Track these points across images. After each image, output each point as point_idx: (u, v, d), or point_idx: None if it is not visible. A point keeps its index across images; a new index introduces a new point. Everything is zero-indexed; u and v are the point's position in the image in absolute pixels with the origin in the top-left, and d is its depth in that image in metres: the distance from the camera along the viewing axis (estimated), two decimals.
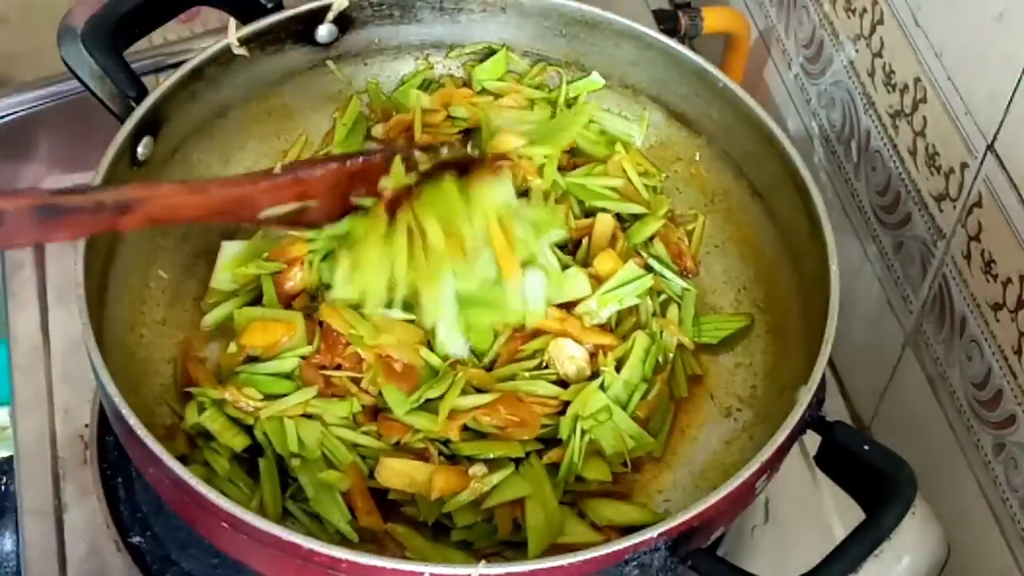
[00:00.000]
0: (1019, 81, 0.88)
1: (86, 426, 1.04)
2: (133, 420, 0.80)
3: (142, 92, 0.93)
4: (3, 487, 1.36)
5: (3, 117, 1.24)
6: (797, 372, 0.92)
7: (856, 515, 0.82)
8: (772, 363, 0.99)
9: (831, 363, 1.17)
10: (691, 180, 1.09)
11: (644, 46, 1.06)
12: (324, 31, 1.04)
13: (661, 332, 0.98)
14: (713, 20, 1.34)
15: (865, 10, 1.07)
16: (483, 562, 0.75)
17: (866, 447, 0.84)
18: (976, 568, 1.01)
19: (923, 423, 1.06)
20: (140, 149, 0.93)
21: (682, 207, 1.08)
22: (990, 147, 0.93)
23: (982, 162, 0.94)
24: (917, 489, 0.81)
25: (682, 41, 1.32)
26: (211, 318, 0.97)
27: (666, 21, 1.33)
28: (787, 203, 0.99)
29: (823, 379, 0.86)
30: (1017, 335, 0.93)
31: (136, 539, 0.99)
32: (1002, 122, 0.91)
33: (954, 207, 0.99)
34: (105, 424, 1.01)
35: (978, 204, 0.95)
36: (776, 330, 1.01)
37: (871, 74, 1.08)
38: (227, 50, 0.99)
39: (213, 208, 0.88)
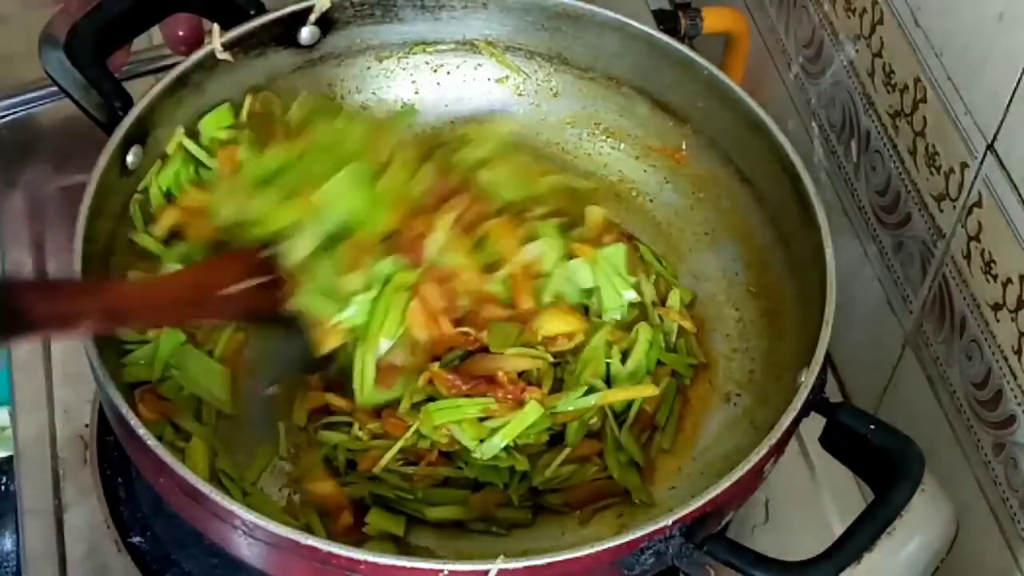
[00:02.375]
0: (1019, 81, 0.88)
1: (86, 426, 1.04)
2: (134, 421, 0.80)
3: (127, 101, 0.93)
4: (3, 487, 1.37)
5: (3, 117, 1.24)
6: (794, 355, 0.93)
7: (856, 514, 0.82)
8: (768, 347, 1.00)
9: (831, 362, 1.17)
10: (678, 169, 1.09)
11: (627, 37, 1.06)
12: (306, 33, 1.04)
13: (661, 318, 0.99)
14: (713, 20, 1.34)
15: (865, 10, 1.07)
16: (501, 557, 0.75)
17: (872, 426, 0.84)
18: (976, 568, 1.00)
19: (923, 423, 1.05)
20: (129, 158, 0.94)
21: (669, 197, 1.09)
22: (990, 147, 0.93)
23: (982, 162, 0.94)
24: (925, 466, 0.82)
25: (682, 41, 1.32)
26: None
27: (666, 21, 1.33)
28: (777, 187, 0.99)
29: (825, 361, 0.86)
30: (1017, 335, 0.93)
31: (136, 539, 0.99)
32: (1002, 122, 0.91)
33: (954, 207, 0.99)
34: (105, 424, 1.01)
35: (978, 204, 0.95)
36: (771, 314, 1.01)
37: (871, 74, 1.08)
38: (211, 55, 0.98)
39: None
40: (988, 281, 0.95)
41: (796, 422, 0.84)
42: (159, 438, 0.80)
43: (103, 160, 0.90)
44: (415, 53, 1.10)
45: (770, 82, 1.30)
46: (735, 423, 0.97)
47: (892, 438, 0.84)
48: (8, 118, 1.24)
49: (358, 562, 0.75)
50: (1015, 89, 0.88)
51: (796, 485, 1.06)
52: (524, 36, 1.09)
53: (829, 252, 0.91)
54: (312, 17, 1.03)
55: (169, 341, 0.92)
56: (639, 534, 0.77)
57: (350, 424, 0.92)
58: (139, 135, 0.94)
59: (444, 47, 1.10)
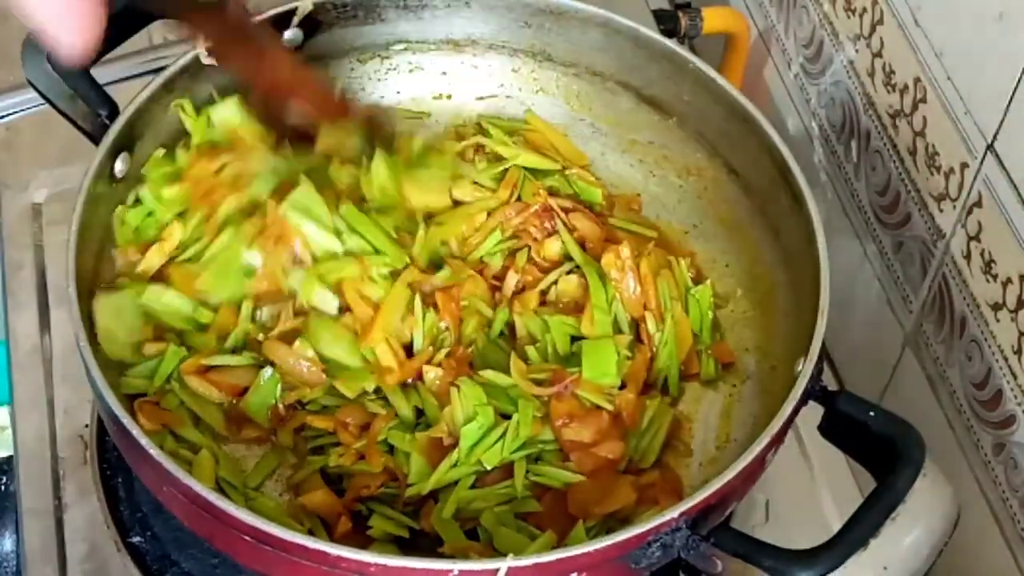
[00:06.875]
0: (1019, 81, 0.88)
1: (86, 426, 1.04)
2: (136, 431, 0.80)
3: (113, 109, 0.93)
4: (3, 487, 1.36)
5: (3, 117, 1.24)
6: (789, 346, 0.94)
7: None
8: (762, 338, 1.01)
9: (829, 361, 1.17)
10: (663, 162, 1.09)
11: (611, 32, 1.06)
12: (289, 35, 1.03)
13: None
14: (713, 20, 1.33)
15: (865, 10, 1.07)
16: (511, 555, 0.75)
17: (871, 413, 0.85)
18: (976, 568, 1.01)
19: (923, 423, 1.05)
20: (118, 165, 0.93)
21: (655, 190, 1.10)
22: (990, 147, 0.93)
23: (982, 162, 0.94)
24: (925, 451, 0.82)
25: (682, 41, 1.32)
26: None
27: (666, 21, 1.33)
28: (765, 179, 0.99)
29: (822, 349, 0.86)
30: (1017, 335, 0.93)
31: (136, 539, 0.99)
32: (1002, 122, 0.91)
33: (954, 207, 0.99)
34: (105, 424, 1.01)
35: (978, 204, 0.95)
36: (763, 306, 1.02)
37: (871, 74, 1.08)
38: (196, 61, 0.98)
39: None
40: (988, 281, 0.95)
41: (796, 411, 0.84)
42: (159, 447, 0.80)
43: (92, 170, 0.90)
44: (398, 53, 1.10)
45: (770, 82, 1.30)
46: (733, 414, 0.98)
47: (892, 424, 0.84)
48: (8, 118, 1.24)
49: (368, 564, 0.74)
50: (1015, 89, 0.88)
51: (795, 485, 1.06)
52: (507, 34, 1.09)
53: (821, 240, 0.91)
54: (295, 20, 1.03)
55: (173, 357, 0.91)
56: (646, 527, 0.78)
57: (337, 443, 0.92)
58: (126, 143, 0.94)
59: (427, 47, 1.10)
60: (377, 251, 0.96)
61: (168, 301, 0.93)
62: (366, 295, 0.94)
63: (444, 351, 0.94)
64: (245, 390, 0.92)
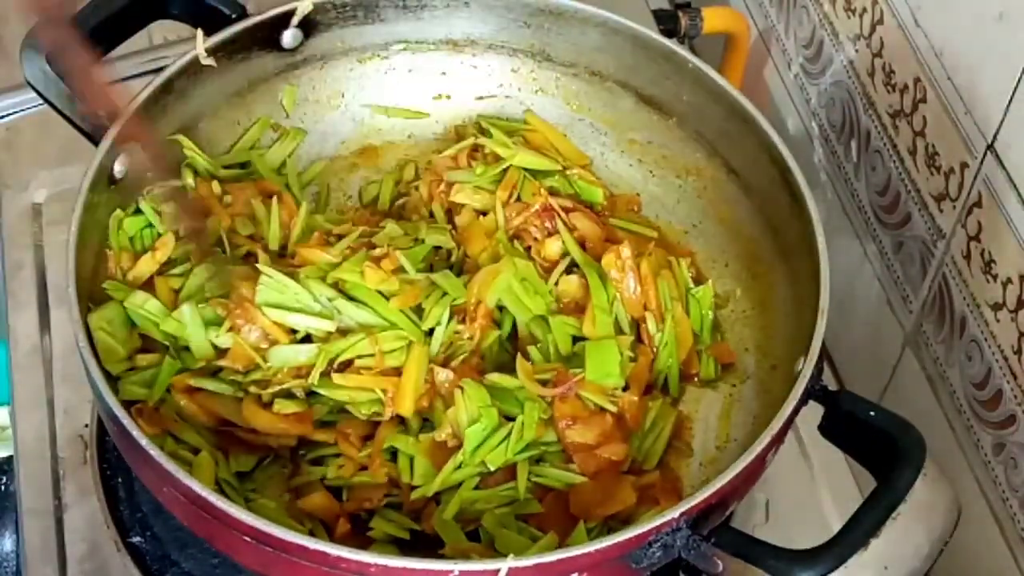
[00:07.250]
0: (1019, 81, 0.88)
1: (86, 426, 1.04)
2: (137, 433, 0.80)
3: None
4: (3, 487, 1.37)
5: (3, 117, 1.24)
6: (789, 346, 0.94)
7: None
8: (761, 338, 1.01)
9: (829, 361, 1.17)
10: (663, 162, 1.10)
11: (610, 32, 1.06)
12: (289, 36, 1.04)
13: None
14: (713, 20, 1.33)
15: (865, 10, 1.07)
16: (511, 556, 0.75)
17: (872, 412, 0.85)
18: (976, 568, 1.01)
19: (923, 423, 1.05)
20: (117, 167, 0.93)
21: (655, 189, 1.10)
22: (990, 147, 0.93)
23: (982, 162, 0.94)
24: (926, 450, 0.82)
25: (682, 41, 1.32)
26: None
27: (666, 21, 1.33)
28: (765, 179, 1.00)
29: (822, 349, 0.87)
30: (1017, 335, 0.93)
31: (136, 539, 0.99)
32: (1002, 122, 0.91)
33: (954, 207, 0.99)
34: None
35: (978, 204, 0.95)
36: (763, 305, 1.02)
37: (871, 74, 1.08)
38: (195, 61, 0.98)
39: None
40: (988, 281, 0.95)
41: (796, 411, 0.85)
42: (159, 448, 0.80)
43: (91, 171, 0.90)
44: (397, 53, 1.10)
45: (770, 82, 1.30)
46: (733, 414, 0.98)
47: (892, 423, 0.84)
48: (8, 118, 1.24)
49: (368, 565, 0.74)
50: (1015, 89, 0.88)
51: (795, 485, 1.06)
52: (507, 34, 1.09)
53: (821, 240, 0.91)
54: (295, 20, 1.03)
55: (170, 368, 0.90)
56: (647, 528, 0.78)
57: (336, 455, 0.91)
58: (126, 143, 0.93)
59: (427, 47, 1.10)
60: (389, 324, 0.92)
61: (150, 309, 0.91)
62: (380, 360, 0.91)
63: (460, 358, 0.94)
64: (228, 422, 0.90)
